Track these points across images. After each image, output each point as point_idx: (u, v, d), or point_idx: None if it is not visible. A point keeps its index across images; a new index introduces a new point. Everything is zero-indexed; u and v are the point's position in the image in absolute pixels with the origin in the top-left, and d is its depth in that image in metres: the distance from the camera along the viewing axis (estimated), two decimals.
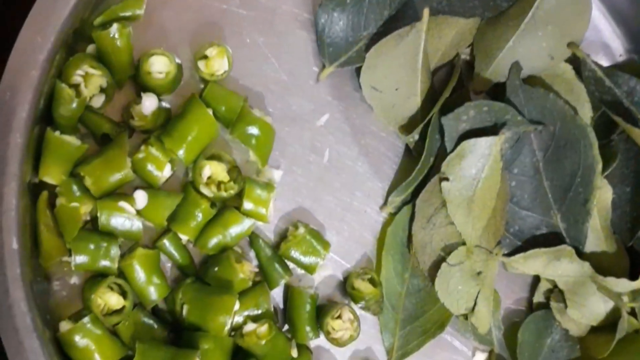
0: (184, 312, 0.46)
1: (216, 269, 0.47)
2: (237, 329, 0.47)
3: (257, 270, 0.49)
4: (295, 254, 0.48)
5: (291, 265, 0.50)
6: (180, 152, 0.46)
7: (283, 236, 0.50)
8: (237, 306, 0.46)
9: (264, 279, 0.49)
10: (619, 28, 0.55)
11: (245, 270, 0.47)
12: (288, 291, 0.50)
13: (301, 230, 0.49)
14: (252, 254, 0.50)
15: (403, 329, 0.51)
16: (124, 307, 0.45)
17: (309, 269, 0.49)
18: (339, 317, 0.49)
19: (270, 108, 0.51)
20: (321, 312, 0.50)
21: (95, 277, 0.46)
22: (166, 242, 0.47)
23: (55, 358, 0.43)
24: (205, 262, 0.48)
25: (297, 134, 0.51)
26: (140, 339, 0.45)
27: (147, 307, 0.46)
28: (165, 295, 0.46)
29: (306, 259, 0.49)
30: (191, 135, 0.46)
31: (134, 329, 0.46)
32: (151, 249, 0.47)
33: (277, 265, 0.49)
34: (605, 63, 0.54)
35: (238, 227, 0.47)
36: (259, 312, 0.48)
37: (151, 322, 0.47)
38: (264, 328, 0.47)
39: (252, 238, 0.49)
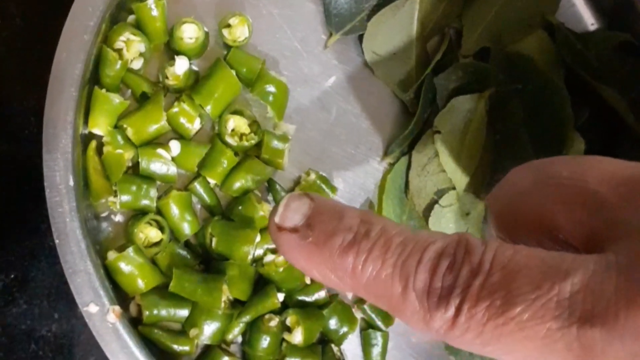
0: (213, 243, 0.51)
1: (240, 207, 0.52)
2: (258, 260, 0.53)
3: None
4: None
5: None
6: (208, 108, 0.52)
7: (297, 182, 0.55)
8: (258, 238, 0.52)
9: None
10: (588, 1, 0.60)
11: (265, 209, 0.53)
12: None
13: (312, 176, 0.55)
14: (270, 197, 0.56)
15: None
16: (161, 239, 0.52)
17: None
18: None
19: (285, 71, 0.56)
20: None
21: (136, 216, 0.52)
22: (197, 185, 0.52)
23: (105, 280, 0.49)
24: (231, 203, 0.53)
25: (308, 93, 0.56)
26: (176, 266, 0.51)
27: (181, 240, 0.53)
28: (196, 230, 0.52)
29: None
30: (217, 93, 0.51)
31: (170, 259, 0.52)
32: (184, 191, 0.53)
33: None
34: (577, 31, 0.59)
35: (258, 173, 0.53)
36: None
37: (184, 253, 0.52)
38: (281, 258, 0.53)
39: (270, 183, 0.54)
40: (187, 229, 0.52)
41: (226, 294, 0.51)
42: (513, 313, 0.21)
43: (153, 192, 0.52)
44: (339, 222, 0.24)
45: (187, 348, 0.52)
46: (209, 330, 0.52)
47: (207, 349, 0.54)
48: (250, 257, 0.52)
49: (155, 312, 0.51)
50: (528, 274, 0.21)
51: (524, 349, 0.21)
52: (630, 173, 0.23)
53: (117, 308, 0.49)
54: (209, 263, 0.54)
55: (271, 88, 0.54)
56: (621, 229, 0.22)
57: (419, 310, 0.22)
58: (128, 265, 0.50)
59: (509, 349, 0.21)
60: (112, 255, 0.51)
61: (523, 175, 0.26)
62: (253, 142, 0.53)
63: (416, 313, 0.22)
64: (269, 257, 0.53)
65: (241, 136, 0.53)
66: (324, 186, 0.55)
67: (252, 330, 0.53)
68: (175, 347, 0.52)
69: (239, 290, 0.52)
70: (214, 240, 0.52)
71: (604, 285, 0.20)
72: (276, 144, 0.53)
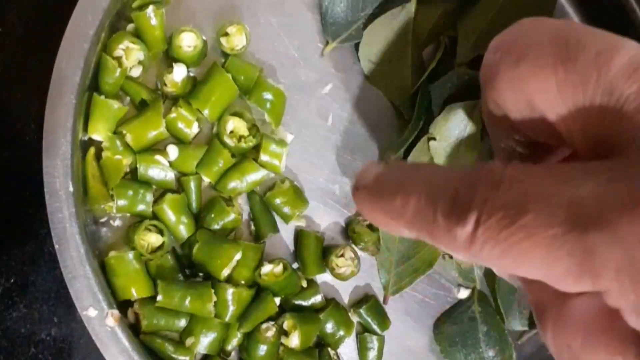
0: (194, 249, 0.52)
1: (212, 214, 0.53)
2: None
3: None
4: (277, 202, 0.55)
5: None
6: (206, 112, 0.52)
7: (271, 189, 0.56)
8: (238, 256, 0.52)
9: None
10: (581, 9, 0.60)
11: (236, 210, 0.54)
12: (299, 234, 0.56)
13: (286, 184, 0.55)
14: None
15: (397, 267, 0.57)
16: (163, 242, 0.52)
17: (285, 217, 0.55)
18: (342, 255, 0.56)
19: (282, 78, 0.56)
20: (326, 252, 0.56)
21: (135, 223, 0.53)
22: (191, 182, 0.53)
23: (104, 285, 0.50)
24: (202, 210, 0.54)
25: (305, 101, 0.57)
26: (162, 277, 0.52)
27: (178, 242, 0.54)
28: (193, 232, 0.53)
29: (285, 209, 0.55)
30: (214, 96, 0.52)
31: (157, 269, 0.52)
32: (179, 193, 0.53)
33: (267, 219, 0.55)
34: None
35: (253, 176, 0.54)
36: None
37: (172, 262, 0.53)
38: (279, 268, 0.54)
39: (249, 194, 0.55)
40: (183, 231, 0.53)
41: (214, 299, 0.52)
42: (524, 221, 0.21)
43: (149, 197, 0.52)
44: (397, 173, 0.25)
45: (186, 358, 0.53)
46: (205, 340, 0.53)
47: (206, 359, 0.54)
48: (225, 273, 0.53)
49: (154, 321, 0.52)
50: (542, 184, 0.22)
51: (534, 258, 0.21)
52: None
53: (116, 312, 0.49)
54: (194, 272, 0.55)
55: (268, 95, 0.54)
56: (634, 132, 0.22)
57: (445, 231, 0.23)
58: (124, 267, 0.51)
59: (521, 259, 0.22)
60: (112, 253, 0.51)
61: (538, 39, 0.25)
62: (251, 144, 0.54)
63: (444, 234, 0.23)
64: (267, 268, 0.54)
65: (240, 138, 0.54)
66: (295, 196, 0.55)
67: (249, 340, 0.54)
68: (175, 356, 0.53)
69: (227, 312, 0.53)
70: (196, 247, 0.52)
71: (613, 192, 0.21)
72: (274, 147, 0.54)
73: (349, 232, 0.57)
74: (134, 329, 0.52)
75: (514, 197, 0.22)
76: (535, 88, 0.24)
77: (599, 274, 0.21)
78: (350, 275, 0.56)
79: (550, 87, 0.24)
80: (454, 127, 0.55)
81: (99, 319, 0.49)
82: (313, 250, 0.55)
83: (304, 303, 0.56)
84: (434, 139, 0.55)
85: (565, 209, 0.21)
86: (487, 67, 0.26)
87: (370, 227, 0.57)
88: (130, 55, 0.52)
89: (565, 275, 0.21)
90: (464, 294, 0.59)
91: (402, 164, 0.26)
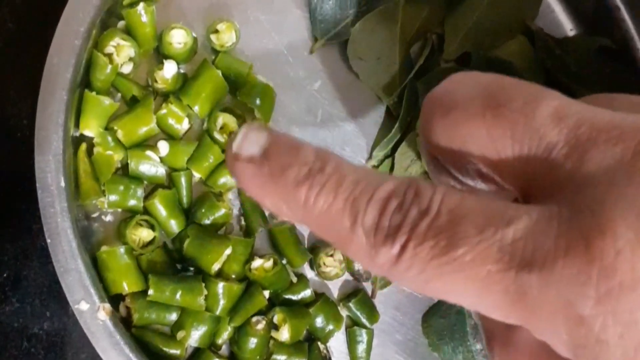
0: (185, 244, 0.53)
1: (203, 210, 0.54)
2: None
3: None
4: None
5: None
6: (196, 108, 0.53)
7: None
8: (228, 251, 0.53)
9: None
10: (567, 7, 0.61)
11: (226, 205, 0.55)
12: (271, 234, 0.56)
13: None
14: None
15: None
16: (154, 237, 0.53)
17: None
18: (332, 255, 0.56)
19: (271, 75, 0.57)
20: (316, 249, 0.57)
21: (126, 218, 0.54)
22: (182, 177, 0.54)
23: (96, 279, 0.51)
24: (194, 206, 0.55)
25: (294, 97, 0.57)
26: (153, 271, 0.53)
27: (169, 237, 0.54)
28: (184, 227, 0.54)
29: None
30: (204, 93, 0.53)
31: (148, 264, 0.53)
32: (169, 189, 0.54)
33: (257, 214, 0.56)
34: (557, 36, 0.60)
35: None
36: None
37: (163, 257, 0.54)
38: (269, 263, 0.55)
39: (240, 189, 0.56)
40: (174, 226, 0.54)
41: (205, 293, 0.53)
42: (456, 254, 0.21)
43: (140, 192, 0.53)
44: (295, 156, 0.24)
45: (177, 351, 0.54)
46: (196, 333, 0.53)
47: (197, 352, 0.55)
48: (215, 268, 0.53)
49: (145, 315, 0.53)
50: (473, 218, 0.22)
51: (464, 289, 0.22)
52: (578, 118, 0.23)
53: (108, 306, 0.50)
54: (185, 266, 0.55)
55: (258, 92, 0.55)
56: (564, 180, 0.22)
57: (365, 246, 0.23)
58: (116, 262, 0.52)
59: (450, 288, 0.22)
60: (104, 248, 0.52)
61: (468, 91, 0.25)
62: None
63: (362, 248, 0.23)
64: (257, 262, 0.54)
65: (230, 134, 0.54)
66: None
67: (240, 333, 0.54)
68: (166, 349, 0.53)
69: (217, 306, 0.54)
70: (187, 241, 0.53)
71: (545, 234, 0.21)
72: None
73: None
74: (126, 323, 0.53)
75: (445, 226, 0.22)
76: (466, 134, 0.25)
77: (532, 313, 0.21)
78: (334, 276, 0.57)
79: (480, 133, 0.24)
80: None
81: (91, 313, 0.50)
82: (290, 242, 0.56)
83: (294, 297, 0.56)
84: None
85: (499, 246, 0.21)
86: (423, 117, 0.27)
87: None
88: (121, 52, 0.53)
89: (495, 309, 0.22)
90: None
91: (292, 141, 0.24)
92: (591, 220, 0.21)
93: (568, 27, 0.62)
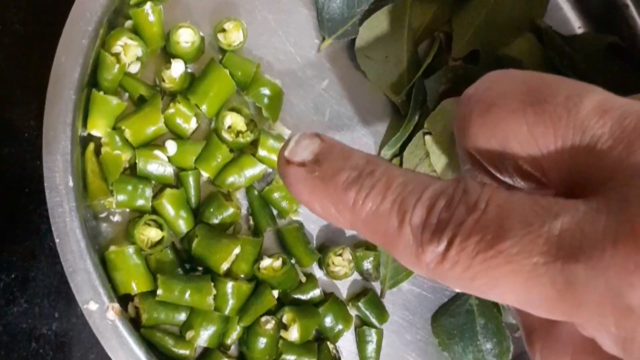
0: (194, 244, 0.53)
1: (211, 209, 0.54)
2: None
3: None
4: (275, 196, 0.55)
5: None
6: (204, 107, 0.53)
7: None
8: (237, 250, 0.53)
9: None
10: (576, 5, 0.61)
11: (234, 205, 0.54)
12: (280, 234, 0.56)
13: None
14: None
15: (394, 261, 0.57)
16: (163, 237, 0.53)
17: (283, 212, 0.56)
18: (340, 255, 0.56)
19: (279, 74, 0.57)
20: (325, 249, 0.57)
21: (134, 219, 0.53)
22: (190, 177, 0.54)
23: (105, 279, 0.51)
24: (202, 205, 0.54)
25: (302, 96, 0.57)
26: (162, 271, 0.52)
27: (177, 237, 0.54)
28: (192, 227, 0.53)
29: (283, 203, 0.55)
30: (212, 92, 0.53)
31: (157, 264, 0.53)
32: (177, 188, 0.54)
33: (265, 214, 0.56)
34: (565, 34, 0.60)
35: (252, 170, 0.54)
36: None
37: (171, 256, 0.53)
38: (278, 262, 0.55)
39: (248, 189, 0.56)
40: (182, 225, 0.53)
41: (214, 293, 0.52)
42: (503, 247, 0.22)
43: (148, 192, 0.53)
44: (345, 161, 0.25)
45: (187, 352, 0.53)
46: (205, 333, 0.53)
47: (206, 352, 0.55)
48: (224, 267, 0.53)
49: (154, 315, 0.52)
50: (520, 213, 0.22)
51: (510, 283, 0.22)
52: (623, 110, 0.23)
53: (117, 306, 0.50)
54: (194, 266, 0.55)
55: (266, 91, 0.55)
56: (610, 171, 0.22)
57: (412, 245, 0.23)
58: (125, 262, 0.51)
59: (496, 282, 0.22)
60: (112, 248, 0.52)
61: (506, 88, 0.25)
62: (249, 139, 0.54)
63: (409, 247, 0.23)
64: (266, 262, 0.54)
65: (237, 133, 0.54)
66: None
67: (249, 333, 0.54)
68: (175, 350, 0.53)
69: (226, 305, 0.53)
70: (195, 241, 0.53)
71: (593, 225, 0.21)
72: (272, 142, 0.54)
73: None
74: (135, 324, 0.52)
75: (492, 221, 0.22)
76: (507, 132, 0.25)
77: (579, 305, 0.21)
78: (343, 276, 0.56)
79: (521, 130, 0.24)
80: (449, 121, 0.56)
81: (100, 313, 0.49)
82: (299, 242, 0.56)
83: (303, 297, 0.56)
84: (430, 133, 0.56)
85: (546, 238, 0.21)
86: (460, 116, 0.27)
87: (369, 248, 0.57)
88: (129, 52, 0.53)
89: (541, 303, 0.22)
90: None
91: (343, 147, 0.25)
92: (639, 210, 0.21)
93: (576, 24, 0.62)
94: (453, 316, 0.59)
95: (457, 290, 0.59)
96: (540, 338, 0.26)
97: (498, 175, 0.27)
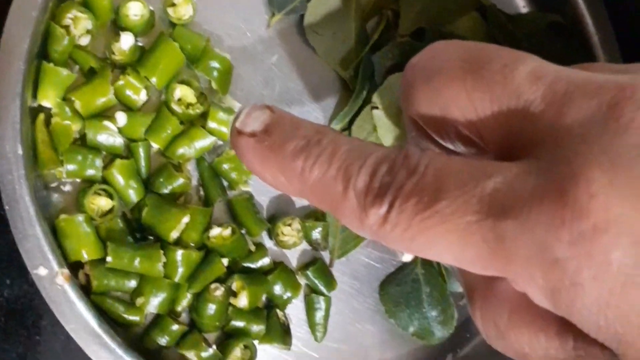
0: (143, 213, 0.54)
1: (161, 179, 0.55)
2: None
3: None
4: (225, 167, 0.56)
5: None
6: (153, 79, 0.54)
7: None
8: (186, 219, 0.54)
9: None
10: None
11: (184, 175, 0.56)
12: (229, 205, 0.58)
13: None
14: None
15: (343, 232, 0.59)
16: (113, 206, 0.54)
17: (233, 183, 0.57)
18: (289, 225, 0.58)
19: (229, 49, 0.58)
20: (274, 219, 0.58)
21: (85, 188, 0.54)
22: (140, 148, 0.55)
23: (54, 245, 0.52)
24: (152, 176, 0.56)
25: (252, 71, 0.58)
26: (111, 239, 0.53)
27: (128, 207, 0.55)
28: (142, 197, 0.55)
29: (233, 174, 0.57)
30: (161, 65, 0.54)
31: (107, 232, 0.54)
32: (127, 159, 0.55)
33: (215, 184, 0.57)
34: (509, 13, 0.61)
35: (202, 142, 0.55)
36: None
37: (122, 226, 0.54)
38: (227, 231, 0.56)
39: (198, 160, 0.57)
40: (133, 195, 0.55)
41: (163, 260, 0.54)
42: (438, 207, 0.23)
43: (98, 162, 0.54)
44: (295, 131, 0.26)
45: (137, 318, 0.55)
46: (155, 300, 0.54)
47: (157, 318, 0.56)
48: (173, 236, 0.54)
49: (104, 282, 0.54)
50: (456, 175, 0.23)
51: (446, 242, 0.23)
52: (555, 76, 0.24)
53: (66, 271, 0.51)
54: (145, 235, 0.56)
55: (215, 64, 0.56)
56: (542, 134, 0.24)
57: (356, 209, 0.24)
58: (75, 230, 0.53)
59: (433, 242, 0.23)
60: (63, 216, 0.53)
61: (448, 57, 0.26)
62: (198, 111, 0.55)
63: (354, 211, 0.24)
64: (216, 231, 0.56)
65: (187, 105, 0.55)
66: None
67: (199, 300, 0.55)
68: (125, 316, 0.54)
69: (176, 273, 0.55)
70: (145, 210, 0.54)
71: (523, 184, 0.22)
72: (222, 115, 0.56)
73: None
74: (85, 291, 0.54)
75: (430, 183, 0.23)
76: (447, 99, 0.26)
77: (509, 261, 0.22)
78: (292, 245, 0.58)
79: (460, 96, 0.26)
80: (395, 96, 0.57)
81: (49, 278, 0.50)
82: (248, 212, 0.57)
83: (253, 266, 0.57)
84: (377, 107, 0.57)
85: (479, 198, 0.23)
86: (405, 84, 0.29)
87: (318, 218, 0.59)
88: (79, 24, 0.53)
89: (475, 260, 0.23)
90: (408, 257, 0.61)
91: (293, 118, 0.27)
92: (567, 169, 0.22)
93: (521, 4, 0.63)
94: (400, 285, 0.60)
95: (404, 260, 0.61)
96: (480, 296, 0.27)
97: (441, 141, 0.28)
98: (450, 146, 0.29)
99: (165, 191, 0.55)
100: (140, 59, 0.55)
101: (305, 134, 0.26)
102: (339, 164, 0.25)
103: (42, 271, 0.50)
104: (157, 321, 0.56)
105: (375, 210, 0.24)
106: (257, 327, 0.57)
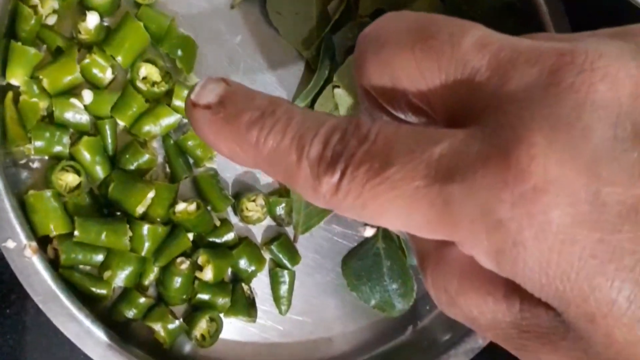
0: (110, 188, 0.55)
1: (127, 156, 0.56)
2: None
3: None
4: (190, 144, 0.58)
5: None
6: (119, 58, 0.55)
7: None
8: (152, 194, 0.56)
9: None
10: None
11: (150, 152, 0.57)
12: (195, 182, 0.59)
13: None
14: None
15: (306, 208, 0.60)
16: (80, 182, 0.56)
17: (198, 159, 0.59)
18: (254, 201, 0.60)
19: (193, 29, 0.59)
20: (239, 195, 0.60)
21: (53, 165, 0.56)
22: (106, 125, 0.56)
23: (22, 219, 0.53)
24: (119, 153, 0.57)
25: (216, 51, 0.60)
26: (79, 214, 0.55)
27: (95, 183, 0.57)
28: (109, 173, 0.56)
29: (198, 151, 0.58)
30: (127, 44, 0.55)
31: (75, 208, 0.55)
32: (94, 136, 0.56)
33: (181, 161, 0.58)
34: None
35: (167, 119, 0.57)
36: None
37: (89, 201, 0.56)
38: (193, 206, 0.58)
39: (164, 137, 0.58)
40: (100, 171, 0.56)
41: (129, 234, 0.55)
42: (388, 174, 0.23)
43: (66, 139, 0.55)
44: (249, 102, 0.26)
45: (104, 291, 0.56)
46: (122, 273, 0.56)
47: (125, 292, 0.57)
48: (139, 211, 0.56)
49: (72, 255, 0.55)
50: (405, 142, 0.24)
51: (396, 208, 0.24)
52: (500, 44, 0.25)
53: (34, 244, 0.52)
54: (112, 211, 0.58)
55: (179, 43, 0.57)
56: (487, 101, 0.24)
57: (310, 178, 0.25)
58: (43, 205, 0.54)
59: (383, 208, 0.24)
60: (31, 192, 0.54)
61: (398, 28, 0.27)
62: (164, 89, 0.57)
63: (308, 180, 0.25)
64: (181, 206, 0.57)
65: (153, 84, 0.57)
66: None
67: (165, 273, 0.57)
68: (93, 289, 0.56)
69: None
70: (112, 185, 0.55)
71: (468, 149, 0.23)
72: (186, 93, 0.55)
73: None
74: (54, 265, 0.55)
75: (380, 151, 0.24)
76: (397, 68, 0.27)
77: (456, 224, 0.23)
78: (256, 220, 0.59)
79: (409, 65, 0.26)
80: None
81: (18, 251, 0.52)
82: (213, 188, 0.58)
83: (218, 240, 0.59)
84: (338, 86, 0.59)
85: (427, 163, 0.23)
86: (357, 54, 0.29)
87: (282, 194, 0.60)
88: (45, 4, 0.55)
89: (423, 225, 0.24)
90: (369, 232, 0.63)
91: (247, 90, 0.27)
92: (509, 133, 0.23)
93: None
94: (361, 259, 0.62)
95: (366, 235, 0.63)
96: (431, 262, 0.28)
97: (392, 111, 0.29)
98: (401, 116, 0.29)
99: (132, 167, 0.56)
100: (106, 38, 0.56)
101: (260, 104, 0.26)
102: (292, 133, 0.25)
103: (10, 244, 0.52)
104: (125, 294, 0.57)
105: (328, 179, 0.24)
106: (222, 300, 0.58)
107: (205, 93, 0.26)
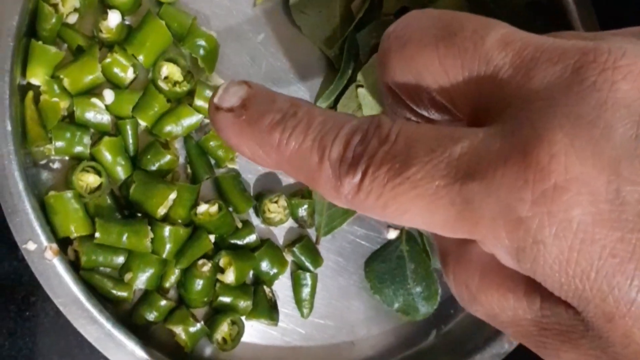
0: (131, 189, 0.54)
1: (149, 156, 0.56)
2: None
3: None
4: (212, 145, 0.57)
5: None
6: (141, 57, 0.55)
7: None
8: (173, 195, 0.55)
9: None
10: None
11: (172, 152, 0.56)
12: (217, 182, 0.58)
13: None
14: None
15: (329, 209, 0.60)
16: (101, 183, 0.55)
17: (220, 160, 0.58)
18: (276, 202, 0.59)
19: (215, 27, 0.58)
20: (261, 196, 0.59)
21: (74, 165, 0.55)
22: (128, 126, 0.55)
23: (43, 220, 0.52)
24: (140, 153, 0.56)
25: (238, 50, 0.59)
26: (100, 215, 0.54)
27: (116, 184, 0.56)
28: (130, 174, 0.55)
29: (219, 152, 0.57)
30: (148, 43, 0.54)
31: (96, 209, 0.55)
32: (115, 136, 0.55)
33: (202, 162, 0.57)
34: None
35: (189, 120, 0.56)
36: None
37: (110, 203, 0.55)
38: (214, 208, 0.57)
39: (186, 138, 0.58)
40: (121, 172, 0.55)
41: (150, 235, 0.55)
42: (409, 173, 0.24)
43: (87, 139, 0.55)
44: (271, 104, 0.26)
45: (125, 294, 0.55)
46: (143, 275, 0.55)
47: (145, 294, 0.57)
48: (161, 212, 0.55)
49: (93, 257, 0.54)
50: (426, 141, 0.24)
51: (417, 207, 0.24)
52: (523, 42, 0.25)
53: (55, 246, 0.52)
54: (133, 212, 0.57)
55: (202, 42, 0.56)
56: (509, 98, 0.24)
57: (332, 179, 0.25)
58: (63, 206, 0.53)
59: (405, 208, 0.24)
60: (52, 193, 0.54)
61: (422, 25, 0.27)
62: (185, 89, 0.56)
63: (329, 181, 0.25)
64: (203, 207, 0.56)
65: (174, 83, 0.56)
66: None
67: (186, 275, 0.56)
68: (114, 292, 0.55)
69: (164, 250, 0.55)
70: (133, 186, 0.55)
71: (488, 148, 0.23)
72: (208, 93, 0.56)
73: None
74: (74, 267, 0.54)
75: (400, 151, 0.24)
76: (421, 65, 0.27)
77: (477, 222, 0.23)
78: (278, 222, 0.58)
79: (433, 63, 0.26)
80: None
81: (39, 253, 0.51)
82: (235, 189, 0.58)
83: (240, 242, 0.58)
84: (362, 86, 0.58)
85: (447, 162, 0.23)
86: (381, 52, 0.29)
87: (304, 196, 0.59)
88: (67, 3, 0.54)
89: (444, 224, 0.24)
90: (393, 234, 0.62)
91: (269, 92, 0.27)
92: (530, 131, 0.23)
93: None
94: (384, 262, 0.61)
95: (389, 237, 0.62)
96: (453, 260, 0.28)
97: (416, 108, 0.29)
98: (425, 113, 0.29)
99: (153, 168, 0.56)
100: (127, 37, 0.56)
101: (281, 107, 0.26)
102: (313, 135, 0.25)
103: (30, 246, 0.51)
104: (146, 297, 0.56)
105: (349, 180, 0.25)
106: (244, 303, 0.58)
107: (228, 96, 0.27)
